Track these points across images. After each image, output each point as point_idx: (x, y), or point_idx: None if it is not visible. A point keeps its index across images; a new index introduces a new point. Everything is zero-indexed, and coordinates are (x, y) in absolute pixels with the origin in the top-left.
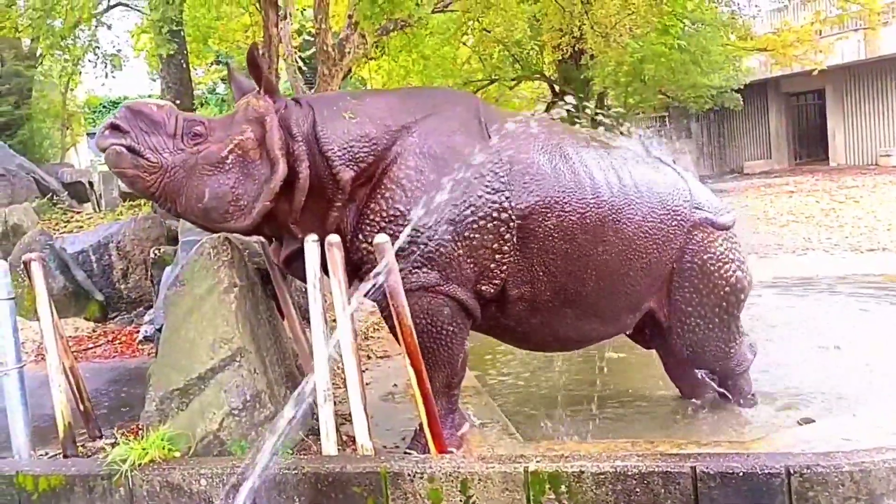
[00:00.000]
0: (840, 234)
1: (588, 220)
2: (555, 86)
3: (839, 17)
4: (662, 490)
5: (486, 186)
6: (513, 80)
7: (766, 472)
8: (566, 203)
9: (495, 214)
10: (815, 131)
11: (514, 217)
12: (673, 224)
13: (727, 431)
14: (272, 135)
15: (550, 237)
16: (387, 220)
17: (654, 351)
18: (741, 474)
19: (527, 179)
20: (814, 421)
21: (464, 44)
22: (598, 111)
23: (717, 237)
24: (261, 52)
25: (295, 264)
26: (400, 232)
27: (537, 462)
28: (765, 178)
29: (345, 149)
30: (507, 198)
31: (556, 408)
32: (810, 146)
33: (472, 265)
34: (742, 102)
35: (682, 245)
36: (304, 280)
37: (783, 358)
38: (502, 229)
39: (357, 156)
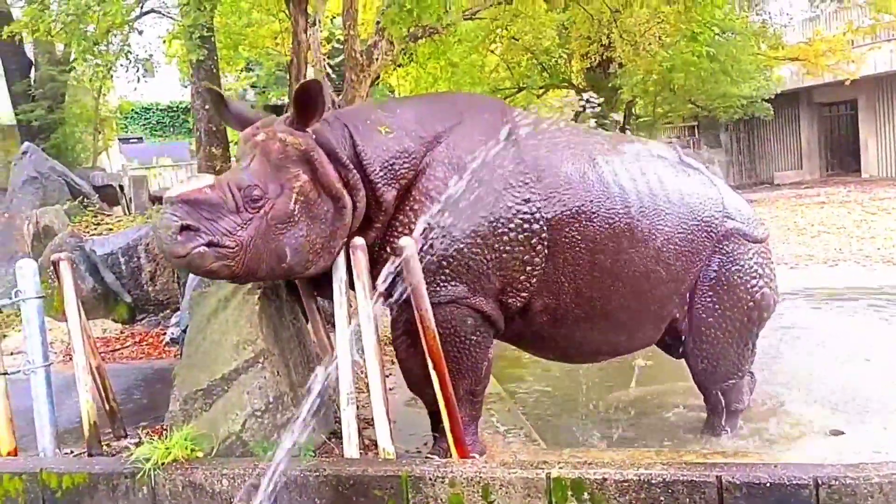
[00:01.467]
0: (872, 246)
1: (616, 230)
2: (583, 94)
3: (871, 27)
4: (687, 499)
5: (516, 196)
6: (541, 88)
7: (794, 482)
8: (594, 212)
9: (526, 226)
10: (847, 142)
11: (545, 227)
12: (703, 235)
13: (755, 442)
14: (326, 172)
15: (577, 247)
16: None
17: (672, 362)
18: (768, 485)
19: (555, 188)
20: (843, 433)
21: (492, 52)
22: (626, 125)
23: (749, 249)
24: (290, 58)
25: (325, 284)
26: (429, 244)
27: (559, 468)
28: (796, 188)
29: (386, 167)
30: (537, 208)
31: (581, 415)
32: (842, 157)
33: (501, 277)
34: (773, 112)
35: (711, 255)
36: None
37: (813, 369)
38: (534, 240)
39: (399, 173)
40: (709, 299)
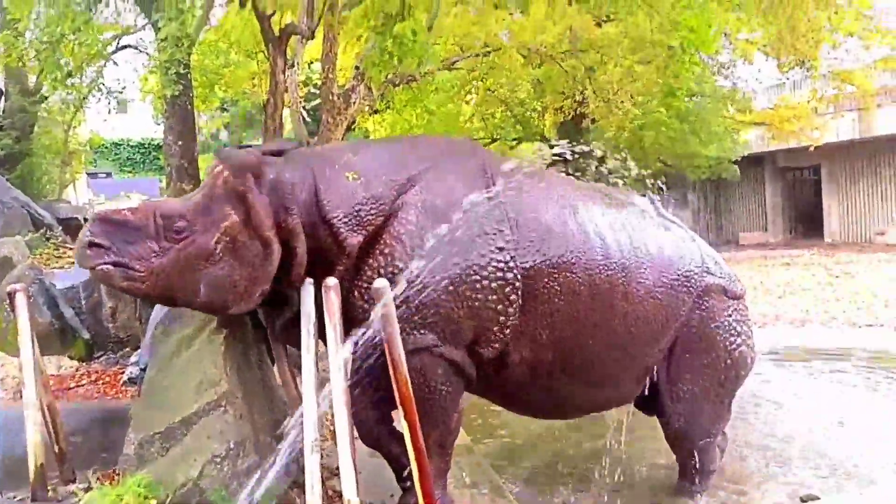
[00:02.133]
0: (838, 308)
1: (596, 283)
2: (555, 145)
3: (835, 97)
4: None
5: (490, 244)
6: (514, 140)
7: None
8: (574, 263)
9: (500, 274)
10: (811, 206)
11: (519, 277)
12: (683, 289)
13: None
14: (258, 215)
15: (556, 299)
16: (387, 276)
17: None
18: None
19: (533, 237)
20: (818, 498)
21: (467, 102)
22: (603, 167)
23: (728, 306)
24: (267, 98)
25: (293, 331)
26: (400, 290)
27: None
28: (760, 249)
29: (351, 214)
30: (511, 256)
31: (552, 470)
32: (805, 221)
33: (472, 327)
34: (739, 174)
35: (690, 310)
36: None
37: (785, 432)
38: (507, 290)
39: (365, 219)
40: (688, 355)
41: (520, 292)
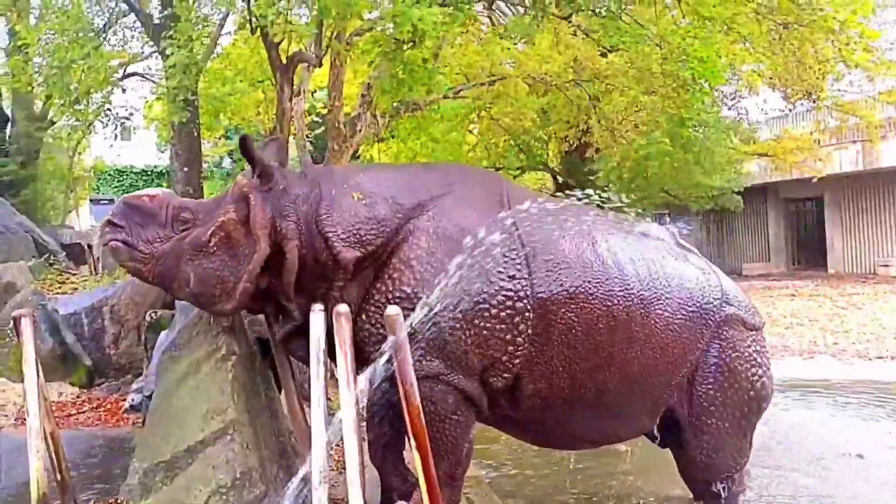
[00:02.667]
0: (846, 340)
1: (614, 314)
2: (558, 177)
3: (838, 128)
4: None
5: (501, 273)
6: (517, 169)
7: None
8: (591, 294)
9: (509, 304)
10: (814, 237)
11: (530, 307)
12: (701, 321)
13: None
14: (255, 213)
15: (572, 330)
16: (392, 301)
17: (658, 452)
18: None
19: (550, 267)
20: None
21: (470, 131)
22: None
23: (747, 337)
24: (273, 126)
25: (294, 343)
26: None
27: None
28: (764, 280)
29: (350, 231)
30: (522, 286)
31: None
32: (808, 252)
33: (480, 356)
34: (742, 204)
35: (709, 341)
36: (302, 360)
37: (803, 465)
38: (517, 319)
39: (364, 238)
40: (710, 387)
41: (530, 322)
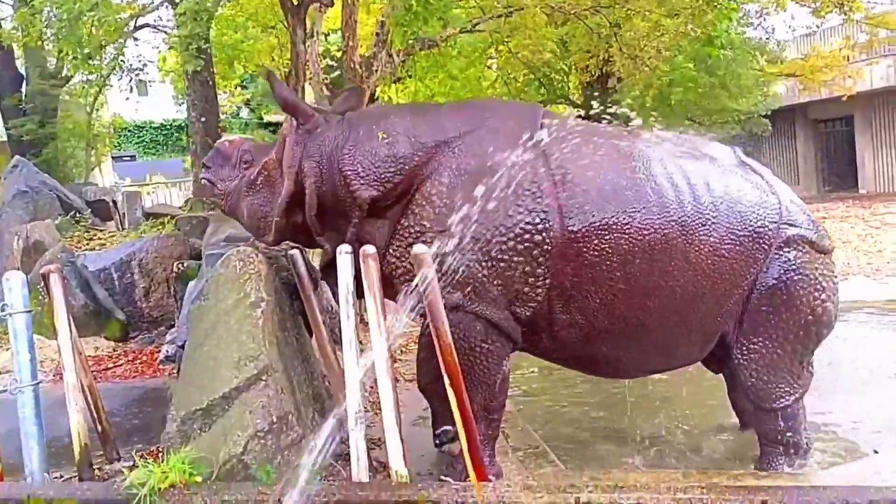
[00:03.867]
0: (881, 260)
1: (653, 244)
2: (580, 110)
3: (868, 43)
4: None
5: (520, 206)
6: (539, 103)
7: None
8: (626, 224)
9: (527, 237)
10: (844, 158)
11: (550, 239)
12: (755, 247)
13: None
14: (286, 154)
15: (606, 262)
16: (414, 235)
17: (694, 376)
18: None
19: (579, 198)
20: (877, 452)
21: (489, 67)
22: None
23: (814, 259)
24: (288, 70)
25: (330, 276)
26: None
27: (589, 492)
28: None
29: (369, 170)
30: (542, 219)
31: (602, 437)
32: (839, 173)
33: (500, 287)
34: (770, 128)
35: (768, 263)
36: (335, 295)
37: (839, 386)
38: (535, 252)
39: (382, 177)
40: (764, 308)
41: (552, 254)
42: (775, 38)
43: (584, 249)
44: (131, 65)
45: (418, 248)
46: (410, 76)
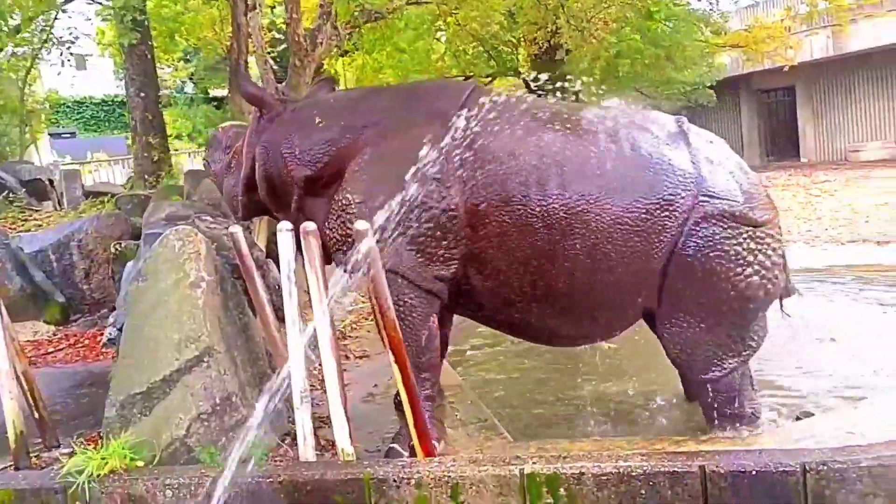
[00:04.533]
0: (819, 227)
1: (551, 214)
2: (529, 83)
3: (808, 14)
4: (669, 491)
5: (430, 181)
6: (487, 76)
7: (781, 469)
8: (525, 195)
9: (434, 205)
10: (786, 128)
11: (455, 212)
12: (663, 215)
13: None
14: (246, 140)
15: (508, 233)
16: (341, 209)
17: (645, 345)
18: (754, 473)
19: (483, 174)
20: (812, 414)
21: (438, 40)
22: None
23: (738, 234)
24: (230, 43)
25: (273, 249)
26: (350, 219)
27: (533, 464)
28: None
29: (304, 151)
30: (449, 193)
31: (549, 405)
32: (781, 142)
33: (414, 253)
34: (715, 99)
35: (684, 237)
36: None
37: (776, 351)
38: (443, 221)
39: (314, 157)
40: (680, 284)
41: (455, 225)
42: (719, 9)
43: (487, 221)
44: (62, 38)
45: (359, 224)
46: (358, 49)
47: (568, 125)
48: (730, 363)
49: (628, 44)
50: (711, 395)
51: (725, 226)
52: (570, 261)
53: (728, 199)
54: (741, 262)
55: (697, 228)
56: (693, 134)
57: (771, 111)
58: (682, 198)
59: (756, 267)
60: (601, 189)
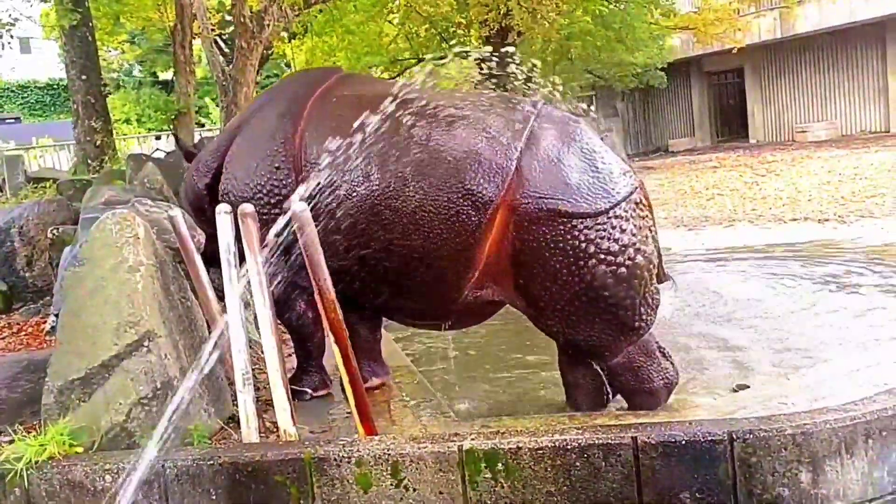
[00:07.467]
0: (764, 206)
1: (364, 200)
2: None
3: None
4: (603, 463)
5: (272, 170)
6: (441, 58)
7: (709, 439)
8: (340, 185)
9: (276, 191)
10: (736, 109)
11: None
12: (465, 204)
13: None
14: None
15: (334, 217)
16: (221, 198)
17: None
18: (683, 443)
19: (310, 162)
20: (748, 387)
21: (389, 22)
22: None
23: (569, 228)
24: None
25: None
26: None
27: (472, 440)
28: (689, 155)
29: (202, 163)
30: (284, 183)
31: (492, 382)
32: (731, 124)
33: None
34: (666, 81)
35: (517, 240)
36: None
37: (713, 327)
38: (276, 213)
39: (208, 166)
40: (532, 286)
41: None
42: None
43: (315, 207)
44: (2, 20)
45: (298, 206)
46: (308, 32)
47: (401, 115)
48: (616, 347)
49: (579, 26)
50: (617, 378)
51: (555, 223)
52: (387, 247)
53: (552, 198)
54: (581, 255)
55: (526, 230)
56: (546, 129)
57: (721, 93)
58: (486, 189)
59: (602, 256)
60: (406, 177)
